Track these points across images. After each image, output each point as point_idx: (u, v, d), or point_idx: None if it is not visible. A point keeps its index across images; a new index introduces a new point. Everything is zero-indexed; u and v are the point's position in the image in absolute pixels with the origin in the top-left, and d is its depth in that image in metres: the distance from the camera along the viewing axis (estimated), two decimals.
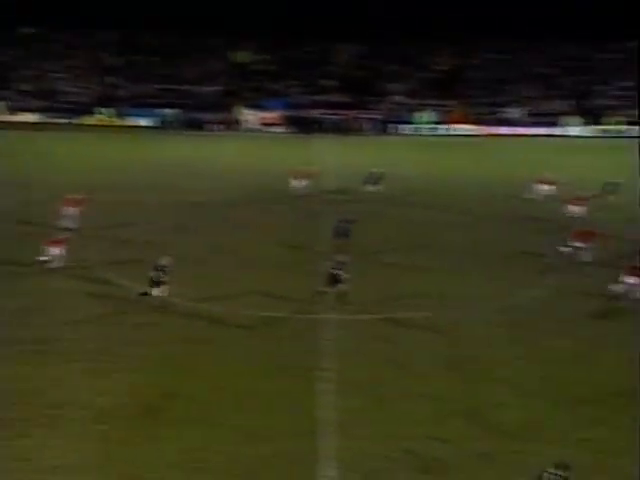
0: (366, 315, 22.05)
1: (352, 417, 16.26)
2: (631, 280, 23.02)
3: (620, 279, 23.17)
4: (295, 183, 37.99)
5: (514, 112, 68.05)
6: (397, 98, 69.94)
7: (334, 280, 22.35)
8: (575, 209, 33.61)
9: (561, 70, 71.36)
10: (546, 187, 37.87)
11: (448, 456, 14.91)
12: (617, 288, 23.18)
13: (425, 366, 18.98)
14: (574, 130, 65.14)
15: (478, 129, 65.12)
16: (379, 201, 36.39)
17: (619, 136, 63.46)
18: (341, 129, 64.50)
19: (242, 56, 73.89)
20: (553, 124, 65.69)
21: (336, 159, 48.87)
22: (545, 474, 12.83)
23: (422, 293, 24.02)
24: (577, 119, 65.87)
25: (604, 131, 64.90)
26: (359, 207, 34.44)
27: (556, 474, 12.80)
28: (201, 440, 15.29)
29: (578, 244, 27.44)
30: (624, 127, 64.91)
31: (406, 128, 66.11)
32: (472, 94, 69.03)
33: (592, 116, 65.85)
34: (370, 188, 37.86)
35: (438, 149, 57.67)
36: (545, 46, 71.89)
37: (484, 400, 17.30)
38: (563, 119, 66.04)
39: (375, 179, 38.17)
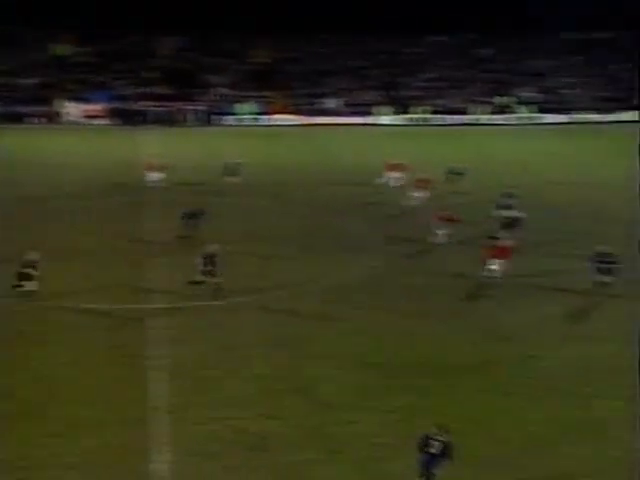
0: (202, 302, 22.60)
1: (184, 402, 16.67)
2: (494, 261, 24.13)
3: (488, 262, 24.15)
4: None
5: (331, 103, 71.68)
6: (220, 90, 71.78)
7: (209, 272, 23.00)
8: (418, 195, 34.33)
9: (373, 63, 75.99)
10: (392, 174, 38.35)
11: (280, 433, 15.54)
12: (485, 270, 24.18)
13: (255, 347, 19.64)
14: (385, 119, 69.75)
15: (298, 119, 67.91)
16: (220, 193, 36.47)
17: (428, 124, 68.48)
18: (165, 121, 65.32)
19: (62, 49, 72.79)
20: (367, 113, 69.86)
21: (164, 151, 48.75)
22: (425, 439, 13.15)
23: (261, 279, 24.74)
24: (388, 109, 70.64)
25: (411, 119, 70.00)
26: (203, 199, 33.62)
27: (436, 439, 13.08)
28: (32, 436, 15.21)
29: (438, 227, 28.59)
30: (430, 115, 70.41)
31: (229, 119, 68.10)
32: (291, 86, 72.05)
33: (401, 106, 70.89)
34: (228, 179, 38.24)
35: (265, 139, 58.49)
36: (358, 41, 75.92)
37: (311, 376, 18.13)
38: (375, 109, 70.52)
39: (231, 170, 38.70)
